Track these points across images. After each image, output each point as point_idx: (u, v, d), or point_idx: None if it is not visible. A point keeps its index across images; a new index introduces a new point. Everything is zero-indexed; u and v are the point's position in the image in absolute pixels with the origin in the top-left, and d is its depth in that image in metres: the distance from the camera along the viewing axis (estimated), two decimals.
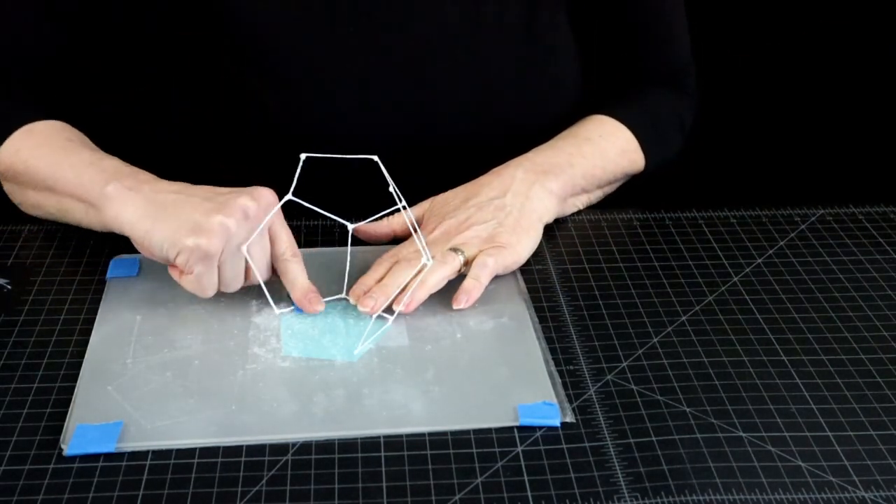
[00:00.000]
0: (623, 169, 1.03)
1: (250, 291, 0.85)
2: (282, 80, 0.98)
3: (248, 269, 0.82)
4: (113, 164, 0.87)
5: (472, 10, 0.99)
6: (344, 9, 0.96)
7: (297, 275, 0.83)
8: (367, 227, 0.92)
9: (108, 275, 0.89)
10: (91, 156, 0.88)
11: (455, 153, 1.03)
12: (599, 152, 1.01)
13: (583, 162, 0.99)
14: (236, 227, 0.79)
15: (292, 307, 0.84)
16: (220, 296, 0.85)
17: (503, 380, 0.77)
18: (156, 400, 0.75)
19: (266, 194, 0.81)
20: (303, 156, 0.78)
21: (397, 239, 0.93)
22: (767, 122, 1.54)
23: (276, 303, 0.84)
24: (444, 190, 0.97)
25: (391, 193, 0.79)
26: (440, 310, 0.84)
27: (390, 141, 1.00)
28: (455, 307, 0.84)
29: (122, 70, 1.04)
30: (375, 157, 0.78)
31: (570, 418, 0.74)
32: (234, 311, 0.84)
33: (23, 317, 0.84)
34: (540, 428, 0.73)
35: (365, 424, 0.73)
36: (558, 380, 0.77)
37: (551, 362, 0.79)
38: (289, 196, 0.79)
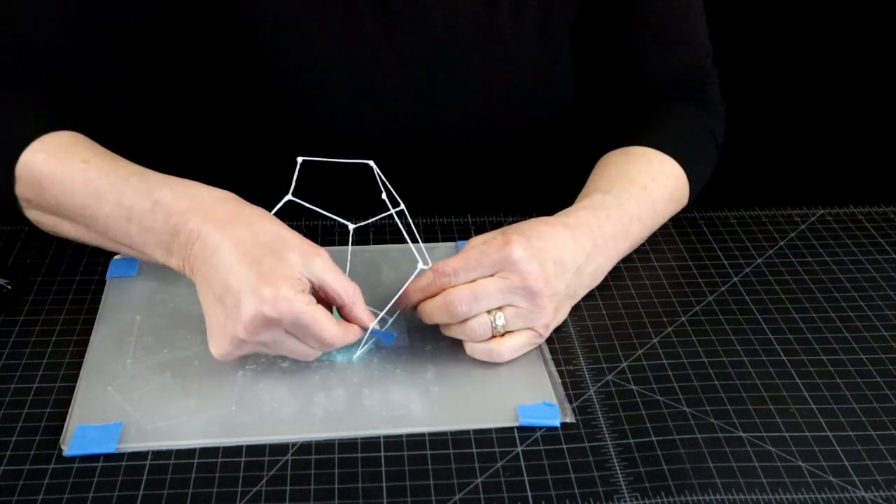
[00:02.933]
0: (670, 213, 0.96)
1: None
2: (295, 78, 0.98)
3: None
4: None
5: (486, 14, 0.98)
6: (361, 8, 0.96)
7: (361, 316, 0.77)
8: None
9: (108, 275, 0.89)
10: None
11: (460, 153, 1.04)
12: (654, 206, 0.92)
13: (637, 227, 0.90)
14: (241, 348, 0.74)
15: None
16: None
17: (503, 380, 0.77)
18: (156, 400, 0.75)
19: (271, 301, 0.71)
20: (300, 159, 0.77)
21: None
22: (768, 123, 1.54)
23: None
24: (448, 190, 0.99)
25: (391, 193, 0.79)
26: None
27: (399, 139, 1.01)
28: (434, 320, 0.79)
29: (131, 62, 1.04)
30: (371, 162, 0.77)
31: (570, 418, 0.74)
32: None
33: (23, 317, 0.84)
34: (540, 428, 0.73)
35: (365, 425, 0.73)
36: (558, 380, 0.77)
37: (551, 362, 0.79)
38: (288, 196, 0.78)
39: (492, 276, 0.77)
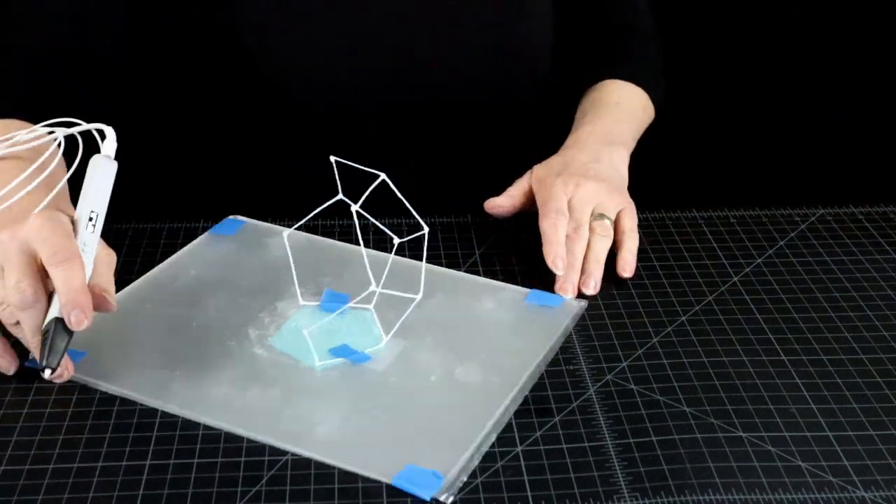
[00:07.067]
0: (646, 123, 1.11)
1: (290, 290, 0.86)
2: (261, 24, 1.00)
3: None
4: None
5: None
6: None
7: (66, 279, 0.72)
8: (501, 201, 0.97)
9: (211, 231, 0.95)
10: None
11: (433, 96, 1.05)
12: (631, 114, 1.09)
13: (626, 127, 1.05)
14: None
15: (318, 303, 0.84)
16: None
17: (423, 436, 0.72)
18: (129, 342, 0.80)
19: None
20: (333, 159, 0.77)
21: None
22: (768, 122, 1.54)
23: (302, 294, 0.83)
24: (428, 144, 1.04)
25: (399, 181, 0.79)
26: (437, 346, 0.80)
27: (373, 92, 1.03)
28: (625, 276, 0.90)
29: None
30: (383, 175, 0.77)
31: (449, 500, 0.67)
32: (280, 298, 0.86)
33: None
34: (540, 428, 0.73)
35: (283, 437, 0.71)
36: (476, 461, 0.70)
37: (492, 437, 0.72)
38: (339, 196, 0.77)
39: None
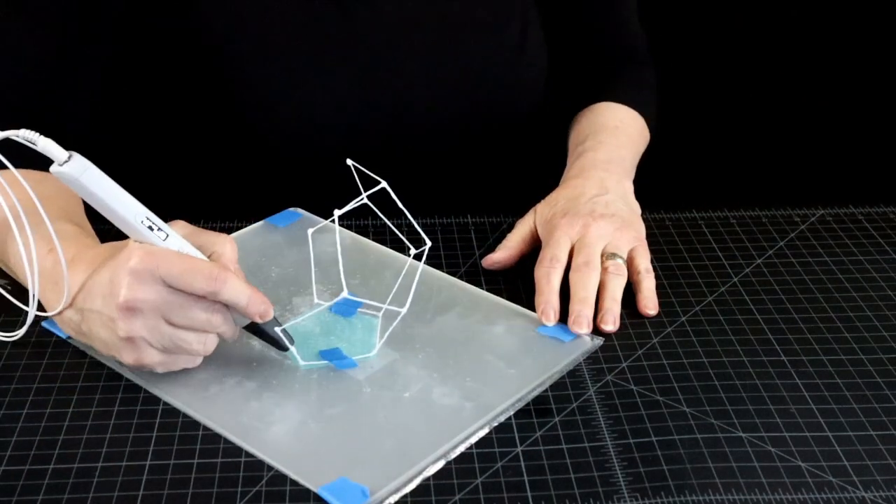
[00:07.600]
0: (643, 148, 1.09)
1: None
2: (255, 76, 0.99)
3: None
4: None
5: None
6: (315, 4, 0.99)
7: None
8: (498, 257, 0.92)
9: (267, 220, 0.96)
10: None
11: (429, 142, 1.05)
12: (630, 138, 1.06)
13: (626, 153, 1.03)
14: (132, 323, 0.71)
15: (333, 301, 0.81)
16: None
17: (367, 449, 0.71)
18: None
19: (127, 258, 0.71)
20: (349, 161, 0.78)
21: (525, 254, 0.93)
22: (768, 123, 1.54)
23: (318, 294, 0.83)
24: (422, 183, 1.00)
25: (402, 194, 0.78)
26: (427, 363, 0.79)
27: (367, 135, 1.03)
28: (650, 313, 0.86)
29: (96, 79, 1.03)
30: (384, 183, 0.76)
31: None
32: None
33: (23, 317, 0.84)
34: (540, 428, 0.73)
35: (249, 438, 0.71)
36: (414, 483, 0.68)
37: (440, 464, 0.69)
38: (363, 198, 0.77)
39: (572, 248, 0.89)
